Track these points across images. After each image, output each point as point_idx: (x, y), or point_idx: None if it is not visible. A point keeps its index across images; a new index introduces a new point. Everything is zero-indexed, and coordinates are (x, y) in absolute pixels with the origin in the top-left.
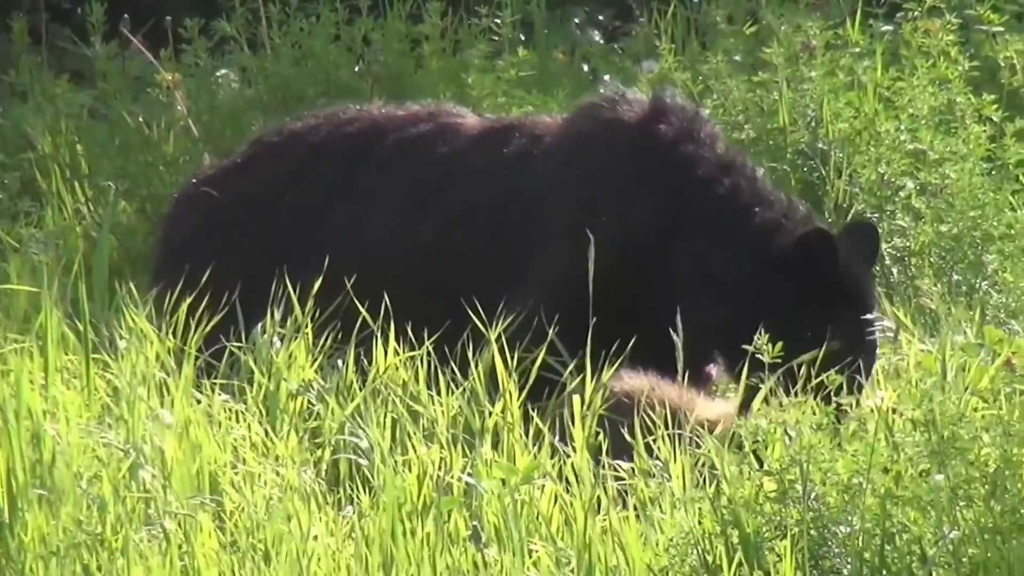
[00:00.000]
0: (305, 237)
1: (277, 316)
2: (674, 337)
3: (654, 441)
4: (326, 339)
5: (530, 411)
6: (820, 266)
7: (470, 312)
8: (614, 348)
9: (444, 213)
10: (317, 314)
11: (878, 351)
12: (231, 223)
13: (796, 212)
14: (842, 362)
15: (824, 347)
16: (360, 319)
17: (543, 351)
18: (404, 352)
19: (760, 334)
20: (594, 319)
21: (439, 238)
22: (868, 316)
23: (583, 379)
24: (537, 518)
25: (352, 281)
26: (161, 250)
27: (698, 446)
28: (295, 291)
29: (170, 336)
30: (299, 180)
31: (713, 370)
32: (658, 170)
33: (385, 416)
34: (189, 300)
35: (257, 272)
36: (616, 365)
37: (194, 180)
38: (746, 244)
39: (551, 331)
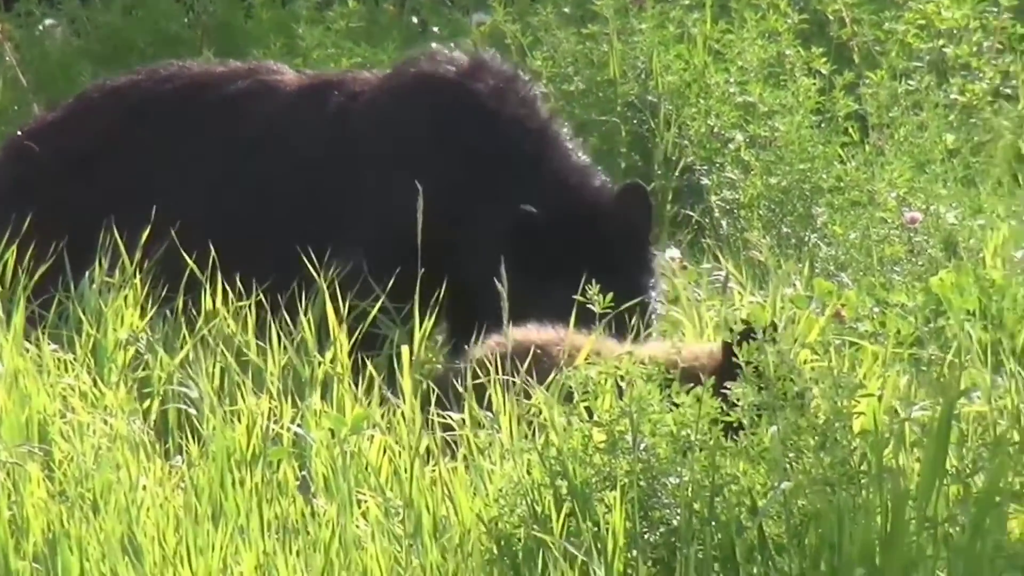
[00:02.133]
0: (129, 193)
1: (105, 266)
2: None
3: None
4: (154, 289)
5: (359, 362)
6: (635, 220)
7: (298, 264)
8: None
9: (264, 169)
10: (145, 266)
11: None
12: (54, 177)
13: (597, 179)
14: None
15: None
16: (188, 270)
17: (369, 303)
18: (232, 302)
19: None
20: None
21: (260, 194)
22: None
23: (411, 331)
24: (366, 468)
25: (177, 234)
26: None
27: (528, 397)
28: (122, 243)
29: None
30: (121, 136)
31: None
32: (464, 129)
33: (214, 366)
34: (14, 250)
35: (82, 225)
36: (431, 321)
37: (18, 132)
38: (542, 206)
39: (378, 285)
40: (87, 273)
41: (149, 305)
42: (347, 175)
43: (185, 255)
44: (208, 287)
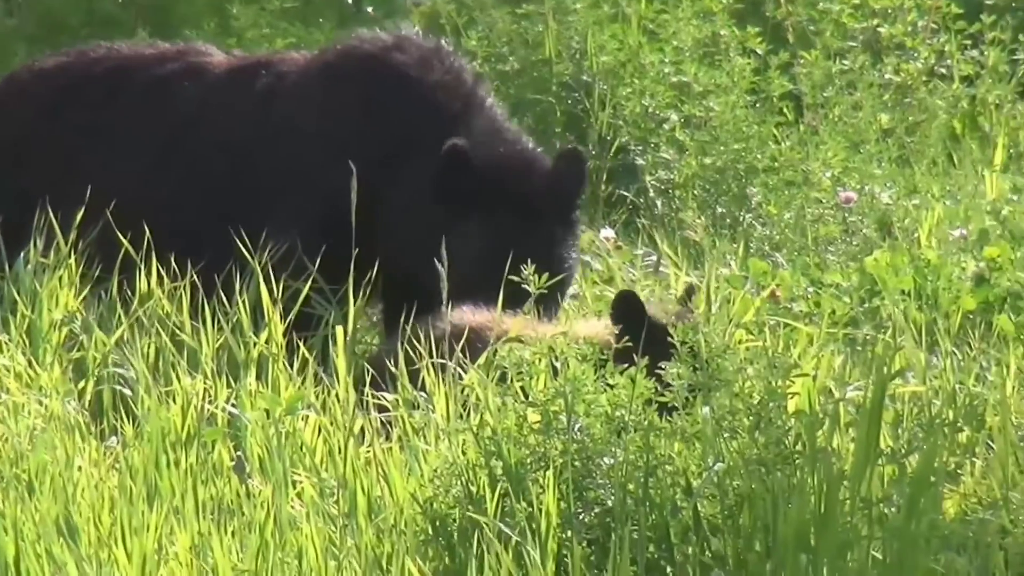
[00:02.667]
0: (61, 174)
1: (39, 247)
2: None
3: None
4: (89, 269)
5: (293, 343)
6: (567, 181)
7: (232, 245)
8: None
9: (193, 151)
10: (80, 247)
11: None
12: None
13: (526, 141)
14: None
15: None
16: (123, 251)
17: (303, 284)
18: (167, 283)
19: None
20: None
21: (192, 176)
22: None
23: (345, 313)
24: (301, 449)
25: (112, 215)
26: None
27: (462, 377)
28: (56, 225)
29: None
30: (52, 117)
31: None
32: (391, 99)
33: (149, 347)
34: None
35: (14, 207)
36: (363, 301)
37: None
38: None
39: (311, 265)
40: (22, 254)
41: (84, 286)
42: (276, 155)
43: (120, 236)
44: (143, 268)
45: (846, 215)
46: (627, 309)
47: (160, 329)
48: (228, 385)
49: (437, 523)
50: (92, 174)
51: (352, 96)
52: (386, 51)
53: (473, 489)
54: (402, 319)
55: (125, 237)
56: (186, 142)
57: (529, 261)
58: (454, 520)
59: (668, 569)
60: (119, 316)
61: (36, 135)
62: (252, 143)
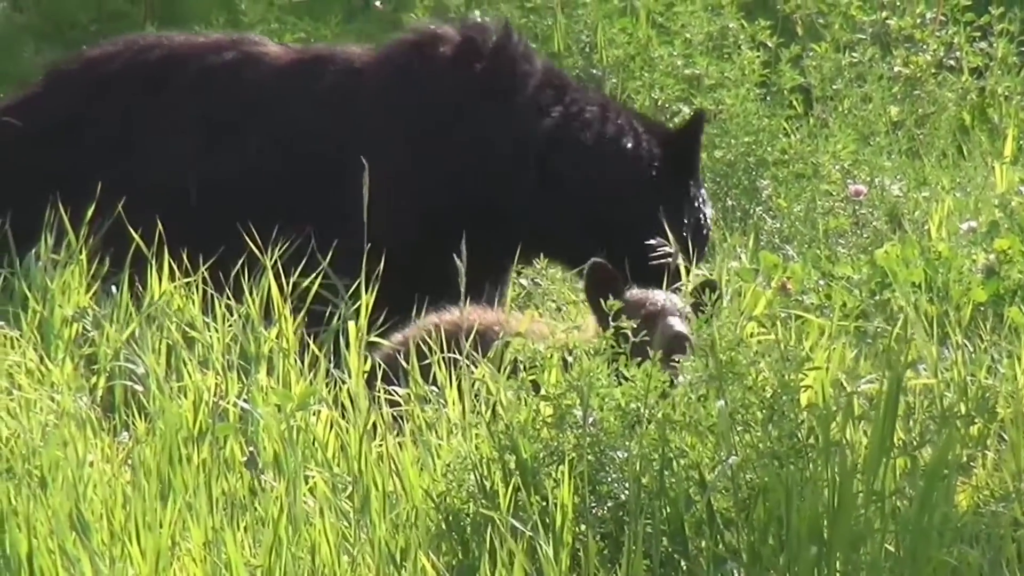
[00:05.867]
0: (110, 160)
1: (51, 242)
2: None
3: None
4: (101, 265)
5: (305, 337)
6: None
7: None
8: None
9: (246, 145)
10: (95, 237)
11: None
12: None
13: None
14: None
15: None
16: (133, 245)
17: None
18: (180, 278)
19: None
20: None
21: (240, 169)
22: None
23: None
24: (313, 444)
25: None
26: None
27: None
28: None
29: None
30: (103, 103)
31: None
32: (493, 87)
33: (160, 342)
34: None
35: (66, 192)
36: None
37: None
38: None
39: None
40: (32, 251)
41: (96, 281)
42: (355, 152)
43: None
44: (154, 262)
45: (856, 208)
46: (599, 281)
47: (171, 324)
48: (240, 380)
49: (450, 518)
50: (143, 160)
51: (449, 93)
52: (462, 55)
53: (486, 483)
54: (412, 314)
55: (173, 221)
56: (235, 136)
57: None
58: (467, 514)
59: (682, 562)
60: (130, 311)
61: (87, 120)
62: (316, 140)
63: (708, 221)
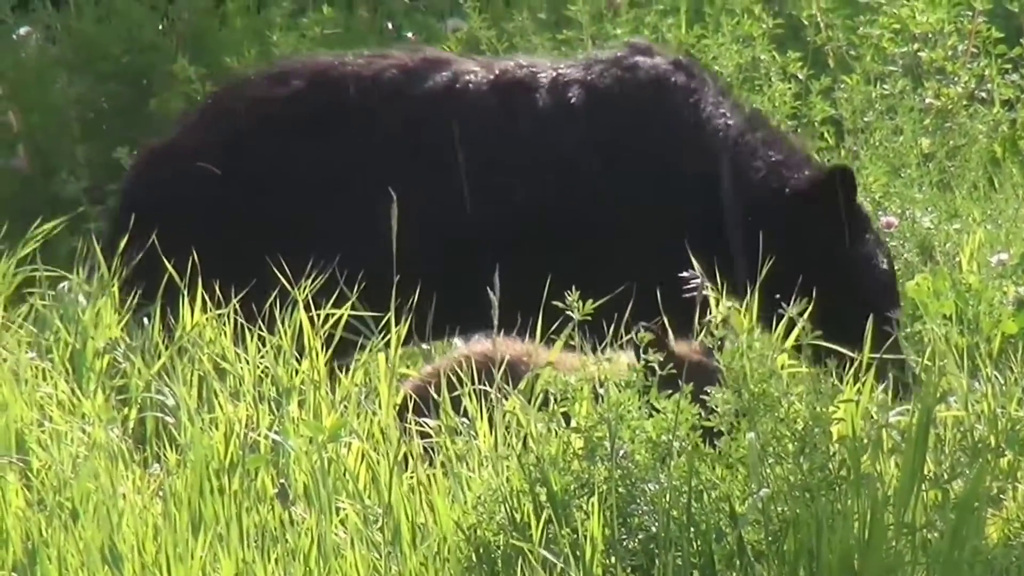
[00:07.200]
0: (321, 207)
1: (84, 273)
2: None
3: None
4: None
5: (336, 370)
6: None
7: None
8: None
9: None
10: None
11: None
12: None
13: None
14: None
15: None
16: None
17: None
18: (212, 310)
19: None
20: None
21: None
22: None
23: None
24: (344, 476)
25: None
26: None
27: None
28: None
29: None
30: (308, 143)
31: None
32: (711, 117)
33: (192, 374)
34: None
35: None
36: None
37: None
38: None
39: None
40: (64, 284)
41: (128, 313)
42: (609, 179)
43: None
44: (186, 294)
45: (887, 239)
46: (651, 344)
47: (202, 356)
48: (271, 412)
49: (481, 550)
50: (371, 196)
51: (684, 122)
52: (684, 76)
53: (517, 516)
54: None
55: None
56: (474, 157)
57: None
58: (498, 547)
59: None
60: (159, 344)
61: (289, 161)
62: (575, 163)
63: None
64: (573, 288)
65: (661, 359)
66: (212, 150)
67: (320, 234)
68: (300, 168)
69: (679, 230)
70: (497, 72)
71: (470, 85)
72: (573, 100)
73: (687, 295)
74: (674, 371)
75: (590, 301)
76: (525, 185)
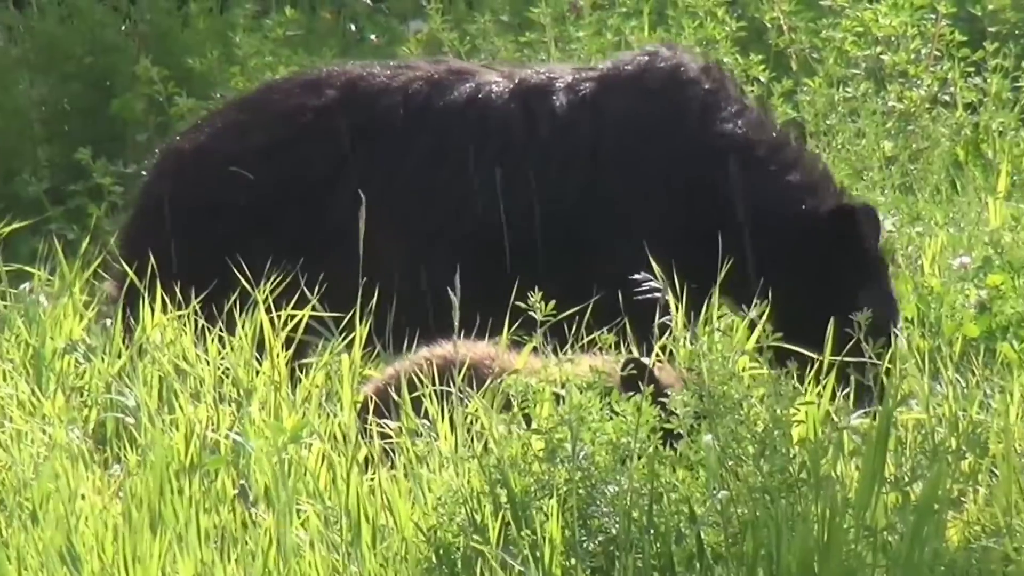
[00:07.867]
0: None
1: (43, 275)
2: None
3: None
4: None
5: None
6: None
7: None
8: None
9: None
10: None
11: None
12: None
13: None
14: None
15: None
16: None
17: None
18: (172, 311)
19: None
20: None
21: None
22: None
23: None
24: (305, 477)
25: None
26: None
27: (465, 406)
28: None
29: None
30: (363, 155)
31: None
32: (728, 121)
33: (152, 375)
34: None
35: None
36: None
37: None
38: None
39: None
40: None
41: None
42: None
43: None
44: (146, 295)
45: None
46: (636, 378)
47: (163, 357)
48: (232, 413)
49: (441, 551)
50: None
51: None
52: (705, 81)
53: (477, 517)
54: (404, 347)
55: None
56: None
57: None
58: (458, 548)
59: None
60: (119, 345)
61: (326, 171)
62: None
63: None
64: (573, 288)
65: (649, 391)
66: (247, 156)
67: (352, 243)
68: (336, 177)
69: (677, 229)
70: (518, 80)
71: (492, 95)
72: (585, 93)
73: (643, 298)
74: (662, 400)
75: (553, 303)
76: (549, 188)
